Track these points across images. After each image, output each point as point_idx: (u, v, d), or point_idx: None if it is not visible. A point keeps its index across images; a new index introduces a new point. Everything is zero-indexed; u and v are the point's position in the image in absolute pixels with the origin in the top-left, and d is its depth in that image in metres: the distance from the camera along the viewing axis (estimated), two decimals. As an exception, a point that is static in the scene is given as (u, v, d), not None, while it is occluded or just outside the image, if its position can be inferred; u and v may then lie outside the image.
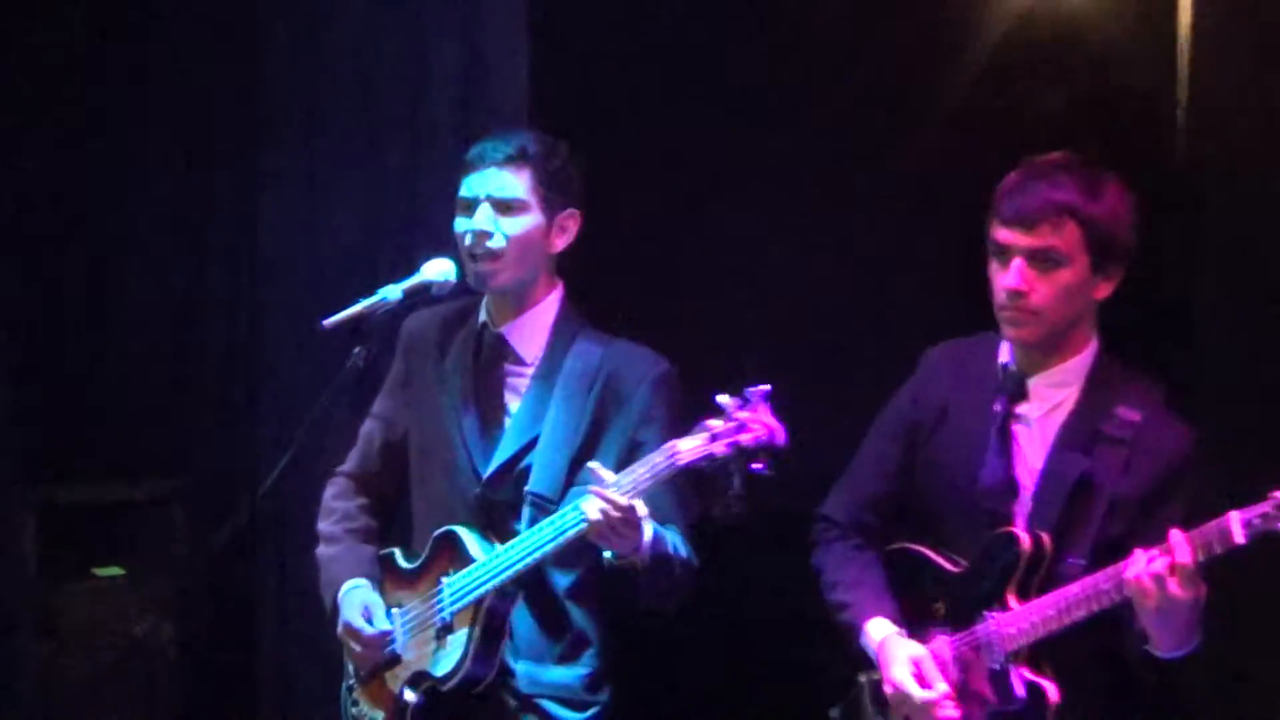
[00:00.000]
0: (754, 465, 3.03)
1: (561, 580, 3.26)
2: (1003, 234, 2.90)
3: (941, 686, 2.94)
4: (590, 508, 3.02)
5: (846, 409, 3.44)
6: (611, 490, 3.02)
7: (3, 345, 4.81)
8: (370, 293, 3.26)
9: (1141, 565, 2.70)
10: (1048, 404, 2.98)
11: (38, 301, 4.98)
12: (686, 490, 3.24)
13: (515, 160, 3.30)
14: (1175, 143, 4.25)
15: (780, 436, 3.02)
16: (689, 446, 3.02)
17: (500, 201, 3.25)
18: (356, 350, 3.23)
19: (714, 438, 3.02)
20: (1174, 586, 2.68)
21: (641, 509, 3.07)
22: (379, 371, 3.54)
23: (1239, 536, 2.63)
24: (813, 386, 3.49)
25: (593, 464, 3.13)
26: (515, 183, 3.27)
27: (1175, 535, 2.67)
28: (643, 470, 3.05)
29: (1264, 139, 4.18)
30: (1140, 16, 4.32)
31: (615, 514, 3.06)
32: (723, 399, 3.03)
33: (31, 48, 4.97)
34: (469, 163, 3.34)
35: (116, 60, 5.07)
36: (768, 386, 3.03)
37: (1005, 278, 2.90)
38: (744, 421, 3.03)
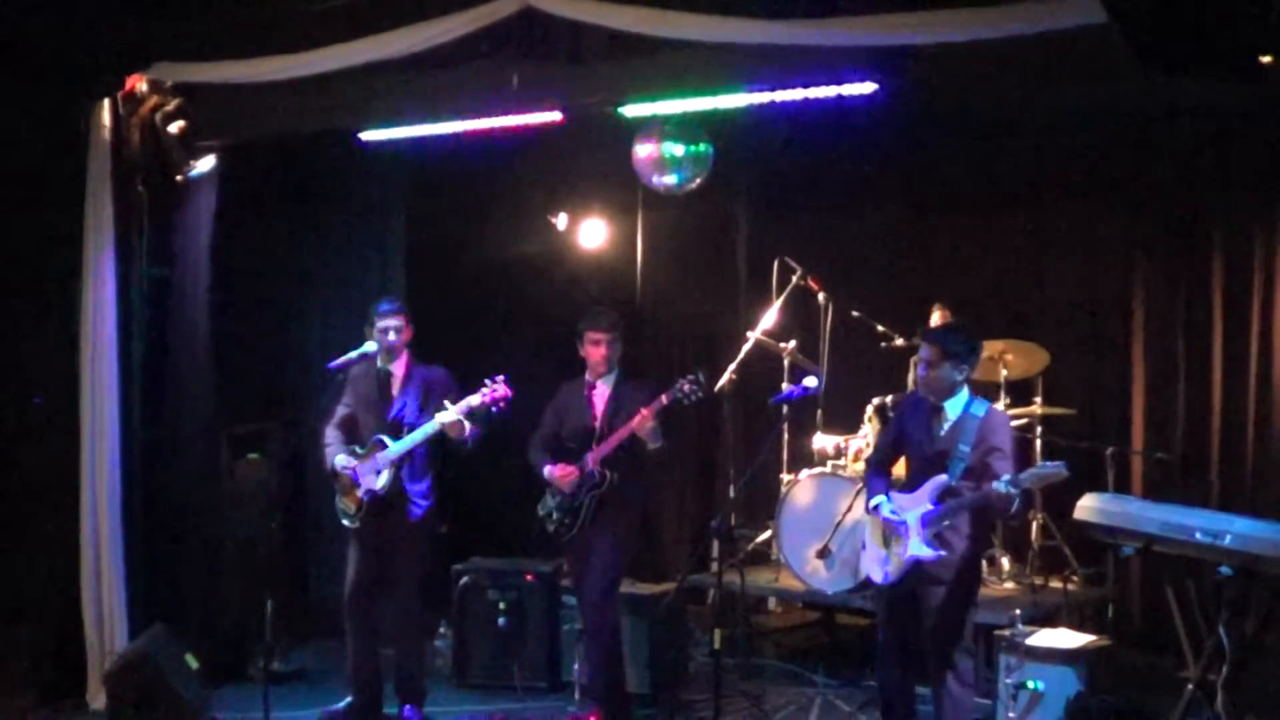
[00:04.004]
0: (499, 409, 5.99)
1: (419, 451, 6.22)
2: (595, 335, 6.19)
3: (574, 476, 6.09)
4: (443, 415, 5.94)
5: (536, 393, 6.42)
6: (451, 408, 5.89)
7: (214, 347, 7.14)
8: (344, 354, 6.25)
9: (638, 420, 5.88)
10: (605, 389, 6.25)
11: (231, 327, 7.25)
12: (475, 415, 6.10)
13: (392, 313, 6.32)
14: (636, 301, 8.41)
15: (508, 395, 5.98)
16: (474, 399, 6.01)
17: (391, 328, 6.26)
18: (340, 376, 6.37)
19: (483, 394, 5.96)
20: (649, 423, 5.96)
21: (460, 418, 5.92)
22: (346, 385, 6.39)
23: (666, 400, 5.89)
24: (525, 379, 6.31)
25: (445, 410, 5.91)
26: (395, 320, 6.29)
27: (644, 412, 5.83)
28: (460, 405, 5.92)
29: (674, 295, 8.12)
30: (619, 245, 8.32)
31: (454, 417, 5.98)
32: (486, 379, 6.02)
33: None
34: (379, 313, 6.34)
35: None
36: (503, 375, 6.02)
37: (599, 350, 6.16)
38: (495, 388, 5.93)
